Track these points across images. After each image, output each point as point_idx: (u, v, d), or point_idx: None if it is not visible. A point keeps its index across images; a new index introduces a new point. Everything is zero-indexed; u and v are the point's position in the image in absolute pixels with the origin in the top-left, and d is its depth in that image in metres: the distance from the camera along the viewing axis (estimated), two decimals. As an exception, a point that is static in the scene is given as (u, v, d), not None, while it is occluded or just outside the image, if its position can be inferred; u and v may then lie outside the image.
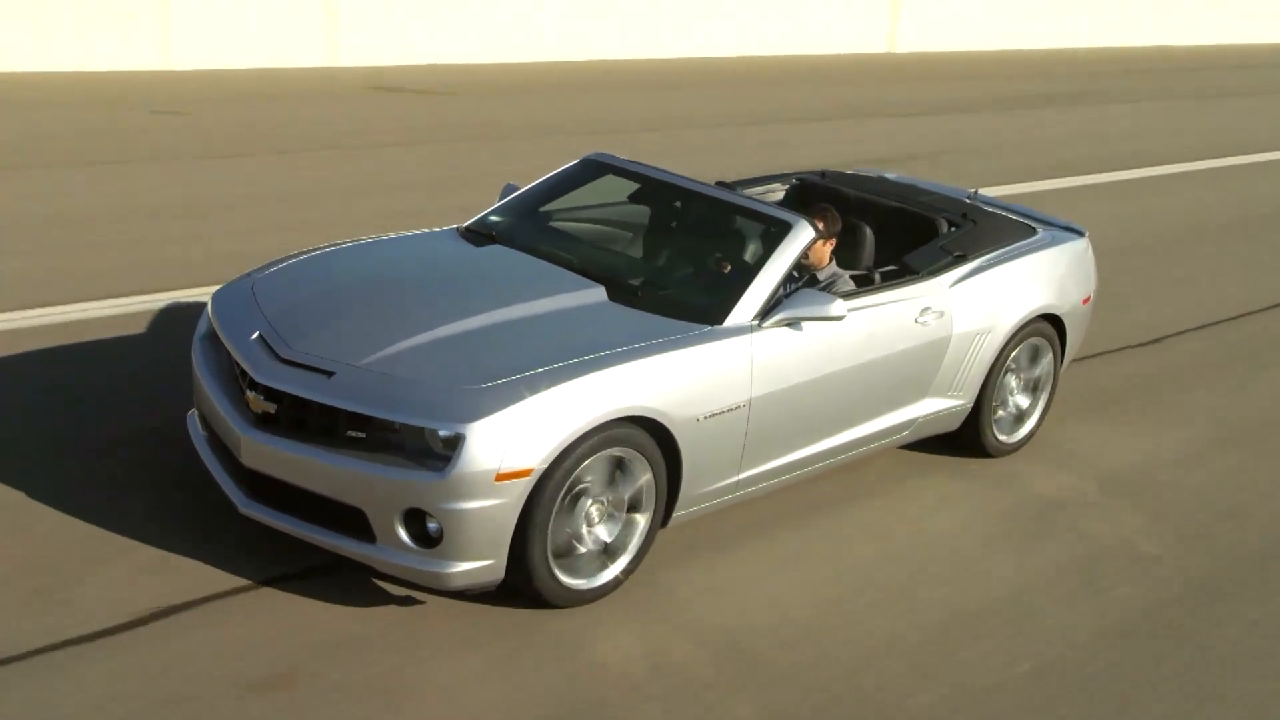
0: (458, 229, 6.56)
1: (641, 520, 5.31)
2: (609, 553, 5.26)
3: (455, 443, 4.71)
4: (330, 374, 4.97)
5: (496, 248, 6.21)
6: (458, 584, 4.86)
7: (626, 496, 5.24)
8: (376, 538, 4.86)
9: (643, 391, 5.08)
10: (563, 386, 4.89)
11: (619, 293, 5.69)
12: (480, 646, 4.89)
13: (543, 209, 6.69)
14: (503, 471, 4.73)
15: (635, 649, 4.97)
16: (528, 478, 4.78)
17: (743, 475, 5.67)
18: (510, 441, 4.73)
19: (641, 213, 6.75)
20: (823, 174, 7.92)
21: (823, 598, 5.48)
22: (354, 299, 5.56)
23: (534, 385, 4.88)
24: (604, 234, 6.74)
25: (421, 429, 4.77)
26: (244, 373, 5.16)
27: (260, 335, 5.28)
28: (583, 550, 5.16)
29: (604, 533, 5.23)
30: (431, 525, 4.81)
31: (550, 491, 4.87)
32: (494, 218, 6.60)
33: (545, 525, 4.91)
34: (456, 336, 5.20)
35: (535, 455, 4.78)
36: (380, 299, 5.55)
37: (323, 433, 4.93)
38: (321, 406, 4.91)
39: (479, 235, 6.42)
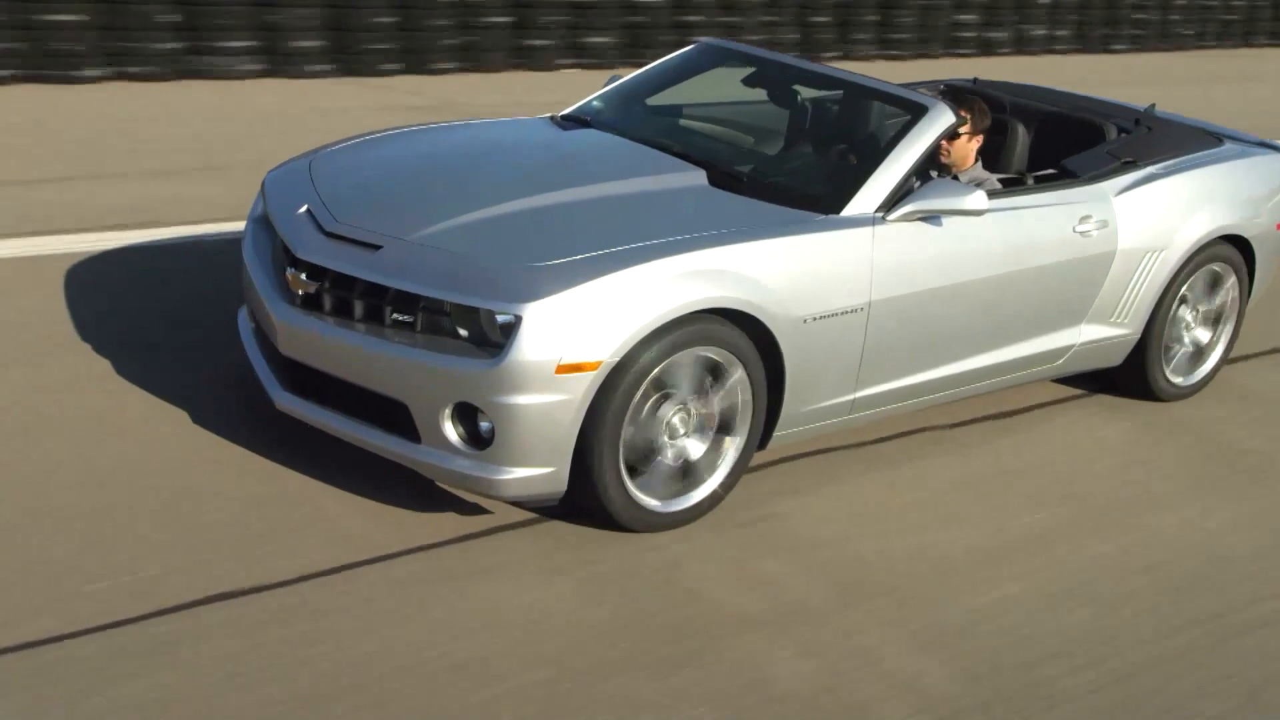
0: (551, 117, 5.87)
1: (736, 436, 4.56)
2: (696, 471, 4.52)
3: (511, 327, 4.02)
4: (376, 248, 4.33)
5: (588, 131, 5.51)
6: (511, 492, 4.17)
7: (718, 408, 4.49)
8: (421, 436, 4.20)
9: (739, 281, 4.33)
10: (642, 267, 4.17)
11: (721, 178, 4.94)
12: (564, 571, 4.20)
13: (649, 99, 5.96)
14: (565, 363, 4.03)
15: (738, 577, 4.23)
16: (594, 372, 4.07)
17: (858, 394, 4.87)
18: (575, 328, 4.02)
19: (756, 101, 5.97)
20: (973, 81, 7.03)
21: (950, 540, 4.65)
22: (417, 175, 4.93)
23: (607, 264, 4.16)
24: (714, 123, 5.96)
25: (473, 310, 4.10)
26: (287, 250, 4.55)
27: (308, 209, 4.66)
28: (664, 466, 4.43)
29: (691, 448, 4.49)
30: (483, 423, 4.13)
31: (623, 391, 4.15)
32: (594, 104, 5.90)
33: (616, 431, 4.19)
34: (523, 213, 4.52)
35: (605, 346, 4.06)
36: (446, 175, 4.91)
37: (366, 316, 4.29)
38: (365, 285, 4.28)
39: (573, 121, 5.72)
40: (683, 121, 5.89)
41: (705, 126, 5.90)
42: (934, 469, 5.16)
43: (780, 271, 4.45)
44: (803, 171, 5.33)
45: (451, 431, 4.15)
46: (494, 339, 4.07)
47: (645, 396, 4.27)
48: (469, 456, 4.16)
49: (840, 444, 5.25)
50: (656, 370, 4.23)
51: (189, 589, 3.87)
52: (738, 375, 4.45)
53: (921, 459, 5.24)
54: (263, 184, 5.14)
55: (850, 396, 4.85)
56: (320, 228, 4.51)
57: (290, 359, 4.46)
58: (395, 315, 4.23)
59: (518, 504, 4.43)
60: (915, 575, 4.36)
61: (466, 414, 4.14)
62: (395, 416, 4.24)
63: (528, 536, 4.37)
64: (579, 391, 4.07)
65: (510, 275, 4.13)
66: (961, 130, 5.31)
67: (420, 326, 4.19)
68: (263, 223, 5.08)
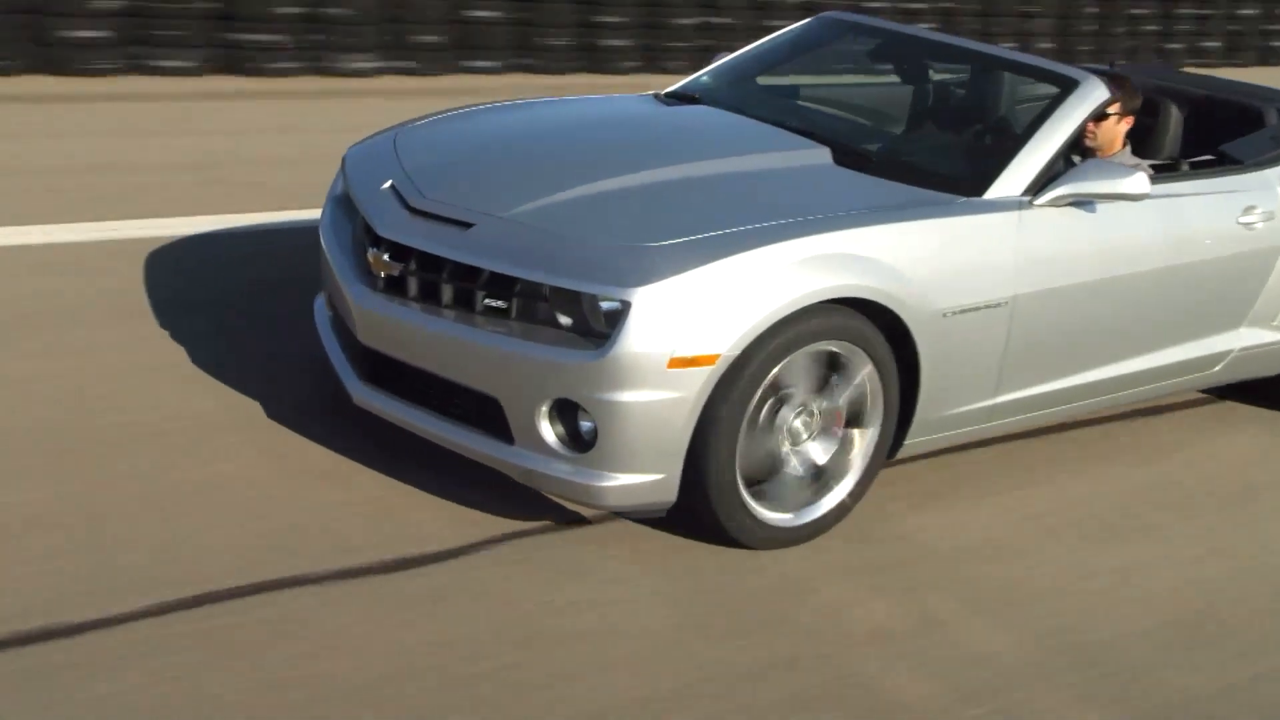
0: (655, 94, 5.41)
1: (863, 441, 4.06)
2: (819, 480, 4.02)
3: (617, 314, 3.55)
4: (467, 226, 3.88)
5: (697, 107, 5.04)
6: (614, 501, 3.70)
7: (845, 409, 3.99)
8: (514, 437, 3.74)
9: (874, 268, 3.83)
10: (765, 250, 3.69)
11: (848, 156, 4.44)
12: (665, 583, 3.73)
13: (762, 76, 5.47)
14: (678, 356, 3.56)
15: (871, 599, 3.73)
16: (711, 367, 3.60)
17: (998, 400, 4.35)
18: (690, 317, 3.55)
19: (884, 78, 5.46)
20: (1111, 65, 6.47)
21: (1095, 565, 4.12)
22: (511, 149, 4.48)
23: (726, 246, 3.68)
24: (832, 101, 5.46)
25: (575, 294, 3.63)
26: (369, 229, 4.11)
27: (392, 185, 4.23)
28: (785, 475, 3.94)
29: (815, 452, 3.99)
30: (584, 423, 3.67)
31: (742, 389, 3.67)
32: (703, 79, 5.43)
33: (734, 434, 3.71)
34: (630, 190, 4.06)
35: (723, 338, 3.59)
36: (543, 149, 4.46)
37: (455, 301, 3.85)
38: (455, 267, 3.83)
39: (679, 99, 5.25)
40: (800, 98, 5.40)
41: (824, 103, 5.40)
42: (1078, 475, 4.63)
43: (918, 259, 3.95)
44: (937, 151, 4.82)
45: (549, 431, 3.69)
46: (598, 328, 3.61)
47: (764, 396, 3.78)
48: (568, 460, 3.69)
49: (968, 445, 4.72)
50: (779, 367, 3.75)
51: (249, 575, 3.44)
52: (866, 373, 3.96)
53: (1065, 462, 4.70)
54: (343, 160, 4.72)
55: (989, 402, 4.33)
56: (405, 204, 4.07)
57: (369, 349, 4.03)
58: (488, 300, 3.78)
59: (620, 514, 3.95)
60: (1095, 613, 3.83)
61: (566, 412, 3.68)
62: (485, 414, 3.79)
63: (618, 541, 3.90)
64: (693, 389, 3.60)
65: (618, 257, 3.67)
66: (1110, 110, 4.77)
67: (515, 313, 3.74)
68: (343, 202, 4.66)
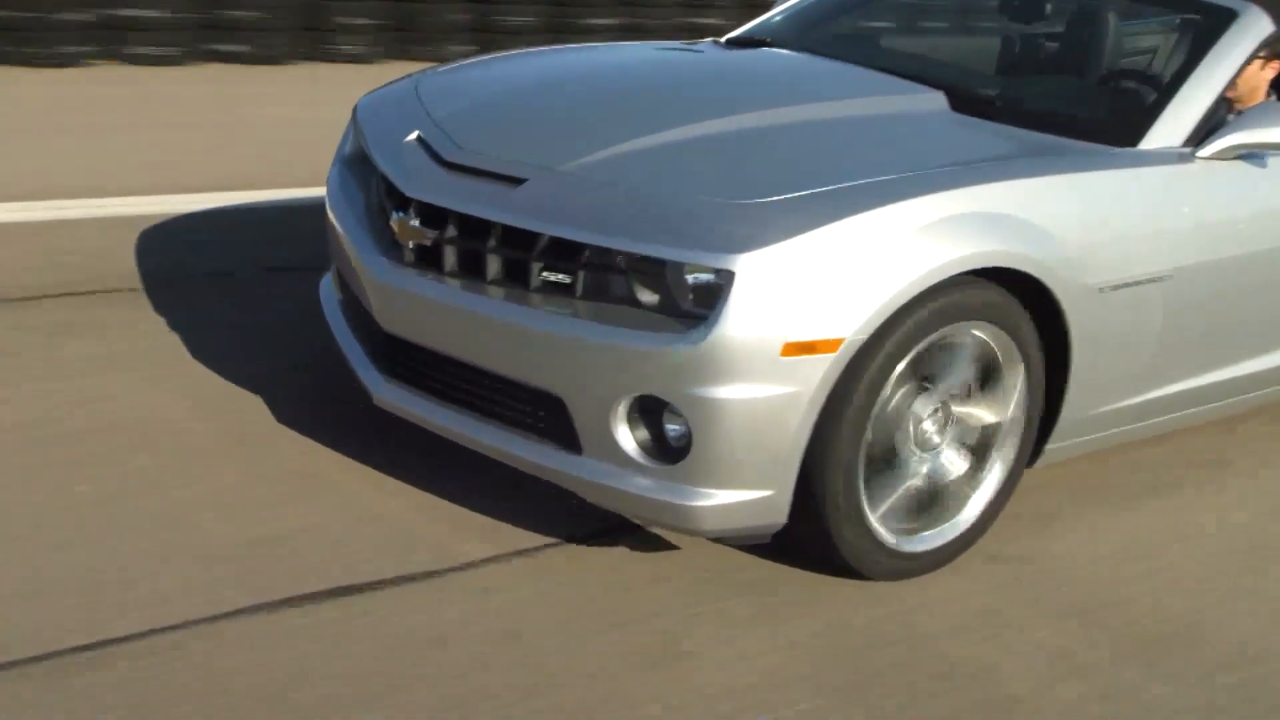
0: (714, 40, 4.64)
1: (1003, 447, 3.30)
2: (949, 496, 3.26)
3: (717, 289, 2.79)
4: (518, 182, 3.11)
5: (772, 50, 4.27)
6: (711, 524, 2.94)
7: (984, 408, 3.24)
8: (582, 445, 2.97)
9: (1022, 231, 3.09)
10: (893, 209, 2.93)
11: (967, 102, 3.69)
12: (766, 619, 2.97)
13: (841, 18, 4.71)
14: (794, 341, 2.80)
15: (1000, 640, 2.97)
16: (834, 354, 2.84)
17: (1150, 395, 3.60)
18: (807, 292, 2.80)
19: (989, 15, 4.69)
20: None
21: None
22: (560, 95, 3.72)
23: (847, 202, 2.92)
24: (929, 48, 4.70)
25: (663, 264, 2.87)
26: (392, 190, 3.34)
27: (419, 137, 3.46)
28: (911, 488, 3.18)
29: (948, 462, 3.24)
30: (672, 426, 2.91)
31: (869, 382, 2.92)
32: (775, 20, 4.65)
33: (857, 439, 2.96)
34: (711, 139, 3.30)
35: (848, 318, 2.83)
36: (599, 95, 3.69)
37: (505, 275, 3.08)
38: (504, 232, 3.06)
39: (745, 44, 4.49)
40: (890, 40, 4.63)
41: (920, 46, 4.63)
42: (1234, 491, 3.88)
43: (1072, 221, 3.20)
44: (1070, 96, 4.06)
45: (627, 437, 2.93)
46: (691, 306, 2.85)
47: (892, 391, 3.03)
48: (651, 473, 2.93)
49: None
50: (912, 354, 3.00)
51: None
52: (1009, 362, 3.20)
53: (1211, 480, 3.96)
54: (354, 112, 3.94)
55: (1140, 398, 3.58)
56: (438, 158, 3.30)
57: (393, 336, 3.26)
58: (546, 274, 3.01)
59: (718, 540, 3.19)
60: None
61: (650, 413, 2.93)
62: (545, 416, 3.03)
63: (698, 562, 3.13)
64: (811, 382, 2.84)
65: (715, 216, 2.91)
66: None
67: (583, 289, 2.97)
68: (354, 162, 3.89)
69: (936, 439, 3.19)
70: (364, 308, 3.40)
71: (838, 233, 2.85)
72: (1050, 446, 3.44)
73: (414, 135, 3.47)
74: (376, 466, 3.47)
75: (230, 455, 3.48)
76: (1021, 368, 3.22)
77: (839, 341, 2.84)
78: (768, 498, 2.93)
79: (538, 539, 3.22)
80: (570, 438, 2.99)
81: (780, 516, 2.98)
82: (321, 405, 3.76)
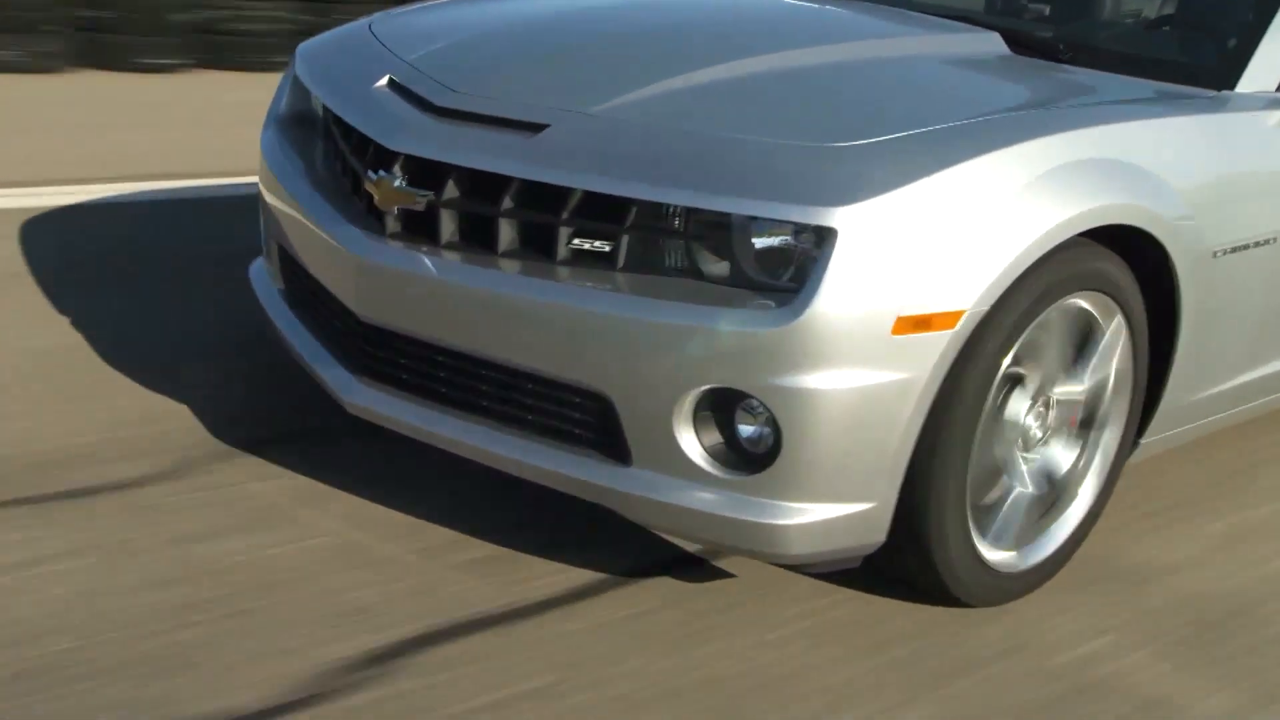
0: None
1: (1104, 438, 2.78)
2: (1050, 502, 2.73)
3: (808, 252, 2.21)
4: (538, 128, 2.48)
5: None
6: (803, 548, 2.36)
7: (1087, 395, 2.72)
8: (633, 453, 2.35)
9: (1142, 183, 2.56)
10: (1014, 151, 2.39)
11: (1027, 42, 3.17)
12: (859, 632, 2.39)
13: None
14: (908, 315, 2.25)
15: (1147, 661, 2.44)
16: (951, 331, 2.29)
17: (1251, 375, 3.12)
18: (918, 254, 2.24)
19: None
20: None
21: None
22: (563, 33, 3.09)
23: (950, 147, 2.37)
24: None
25: (736, 221, 2.27)
26: (364, 145, 2.69)
27: (393, 81, 2.81)
28: (1017, 492, 2.64)
29: (1052, 460, 2.70)
30: (747, 427, 2.31)
31: (985, 365, 2.38)
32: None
33: (970, 435, 2.40)
34: (760, 77, 2.72)
35: (967, 286, 2.29)
36: (610, 33, 3.06)
37: (523, 244, 2.46)
38: (522, 189, 2.42)
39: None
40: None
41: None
42: None
43: (1186, 174, 2.69)
44: (1137, 36, 3.56)
45: (692, 442, 2.33)
46: (767, 275, 2.27)
47: (1006, 373, 2.49)
48: (723, 485, 2.33)
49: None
50: (1028, 331, 2.46)
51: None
52: (1117, 339, 2.69)
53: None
54: (292, 61, 3.27)
55: (1243, 378, 3.09)
56: (424, 103, 2.66)
57: (374, 327, 2.60)
58: (578, 241, 2.40)
59: (799, 568, 2.59)
60: None
61: (721, 411, 2.32)
62: (583, 420, 2.42)
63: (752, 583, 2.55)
64: (926, 365, 2.28)
65: (799, 161, 2.33)
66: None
67: (626, 258, 2.37)
68: (295, 123, 3.22)
69: (1039, 434, 2.66)
70: (326, 294, 2.74)
71: (950, 181, 2.30)
72: (1145, 439, 2.93)
73: (384, 80, 2.82)
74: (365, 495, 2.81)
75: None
76: (1129, 347, 2.71)
77: (958, 315, 2.29)
78: (867, 512, 2.36)
79: (577, 576, 2.60)
80: (617, 445, 2.38)
81: (879, 535, 2.41)
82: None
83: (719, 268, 2.33)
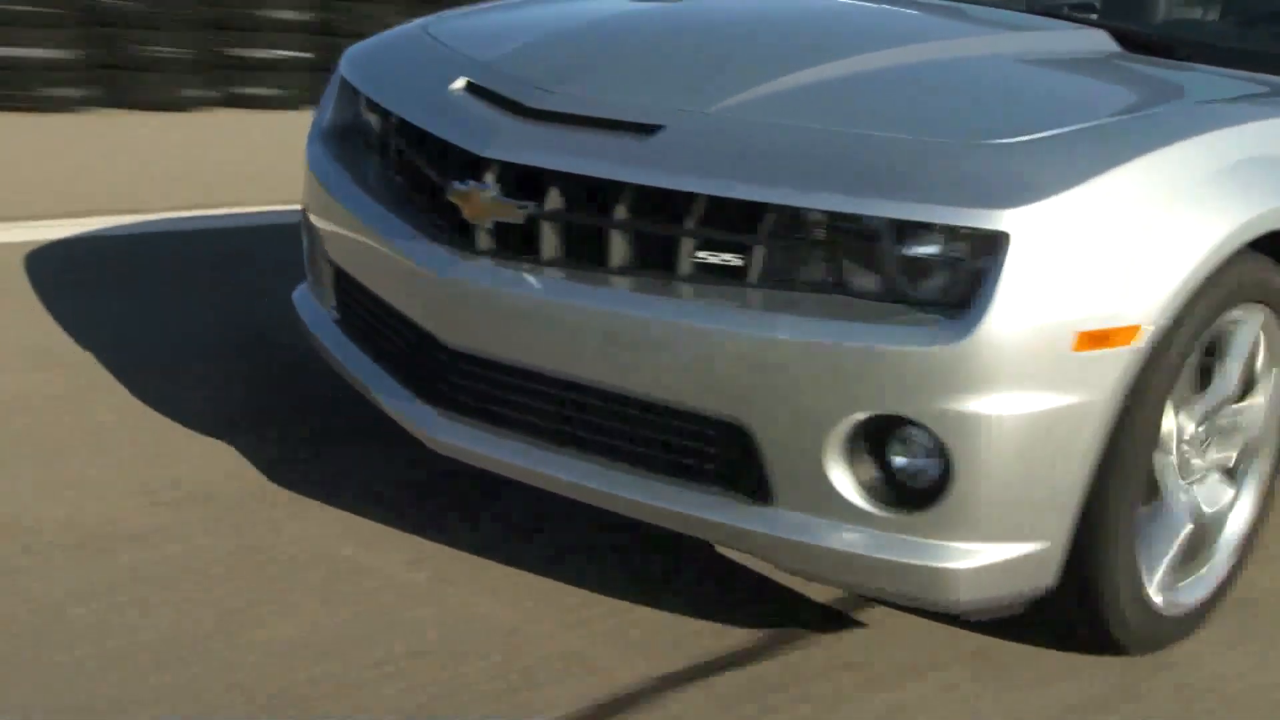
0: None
1: (1257, 470, 2.54)
2: (1209, 533, 2.49)
3: (976, 261, 1.96)
4: (650, 130, 2.22)
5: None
6: (970, 594, 2.10)
7: (1240, 417, 2.48)
8: (774, 491, 2.08)
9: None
10: (1189, 145, 2.16)
11: (1135, 41, 2.94)
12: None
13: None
14: (1089, 330, 2.00)
15: None
16: (1129, 347, 2.03)
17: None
18: (1096, 260, 1.99)
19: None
20: None
21: None
22: (649, 32, 2.81)
23: (1117, 144, 2.13)
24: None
25: (876, 225, 2.02)
26: (444, 154, 2.41)
27: (470, 83, 2.54)
28: (1180, 527, 2.40)
29: (1210, 492, 2.46)
30: (903, 460, 2.05)
31: (1159, 383, 2.14)
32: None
33: (1143, 465, 2.16)
34: (877, 75, 2.46)
35: (1144, 297, 2.03)
36: (702, 32, 2.79)
37: (637, 258, 2.19)
38: (638, 196, 2.16)
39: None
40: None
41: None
42: None
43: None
44: (1250, 30, 3.34)
45: (844, 478, 2.06)
46: (931, 288, 2.02)
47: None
48: (884, 525, 2.06)
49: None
50: (1198, 347, 2.23)
51: None
52: (1272, 361, 2.46)
53: None
54: (340, 67, 3.00)
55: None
56: (515, 106, 2.39)
57: (461, 354, 2.33)
58: (701, 254, 2.13)
59: (961, 616, 2.32)
60: None
61: (877, 440, 2.06)
62: (716, 455, 2.15)
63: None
64: (1106, 386, 2.04)
65: (956, 160, 2.08)
66: None
67: (761, 271, 2.11)
68: (345, 134, 2.95)
69: (1198, 463, 2.42)
70: (400, 321, 2.47)
71: (1125, 179, 2.07)
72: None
73: (460, 84, 2.55)
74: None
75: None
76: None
77: (1136, 329, 2.04)
78: (1040, 552, 2.11)
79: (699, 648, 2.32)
80: (756, 482, 2.12)
81: (1048, 578, 2.15)
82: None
83: (868, 280, 2.07)
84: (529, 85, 2.42)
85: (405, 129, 2.60)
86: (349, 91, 2.93)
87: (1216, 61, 2.86)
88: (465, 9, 3.17)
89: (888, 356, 1.97)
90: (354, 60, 2.97)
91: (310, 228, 2.90)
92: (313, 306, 2.95)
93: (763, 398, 2.05)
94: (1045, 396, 1.99)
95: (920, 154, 2.09)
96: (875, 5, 3.17)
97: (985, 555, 2.05)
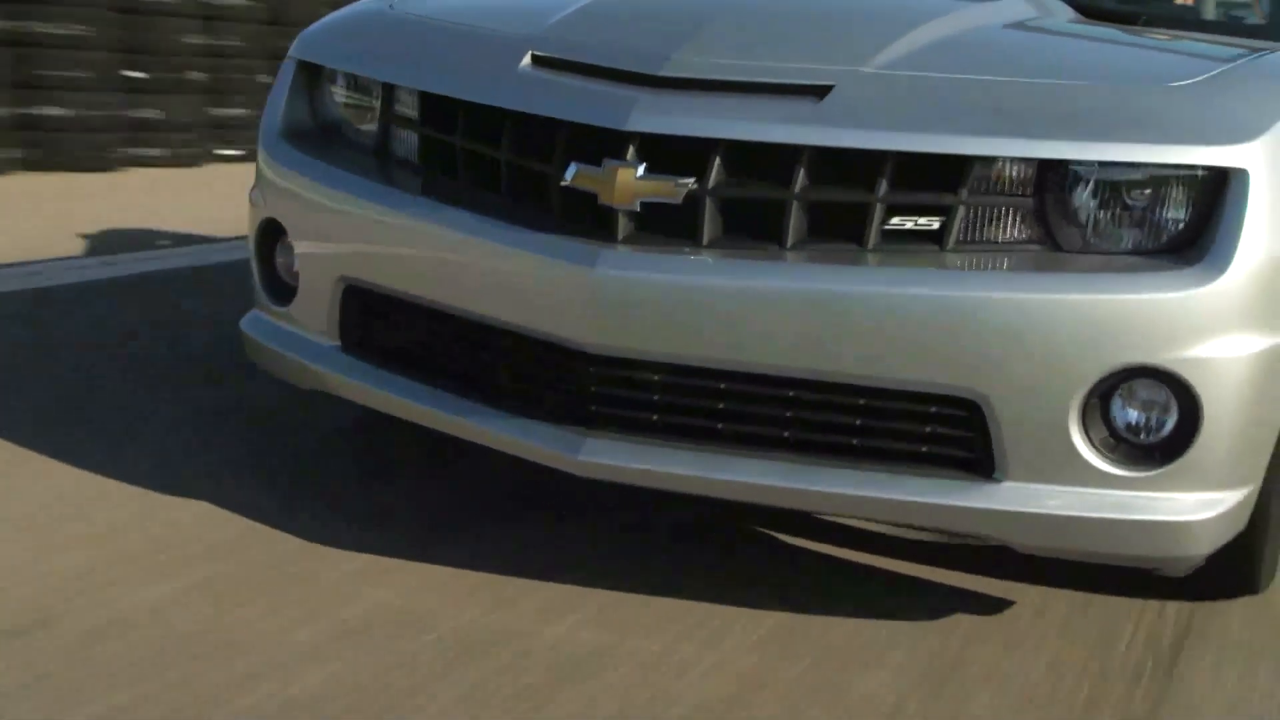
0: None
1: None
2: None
3: (1209, 200, 1.93)
4: (822, 90, 2.04)
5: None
6: (1206, 546, 2.06)
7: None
8: (1002, 464, 1.96)
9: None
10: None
11: (1092, 11, 3.00)
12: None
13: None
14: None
15: None
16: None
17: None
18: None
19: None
20: None
21: None
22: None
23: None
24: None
25: (1090, 170, 1.97)
26: (562, 134, 2.10)
27: (537, 56, 2.25)
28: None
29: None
30: (1136, 414, 1.97)
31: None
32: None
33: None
34: (956, 39, 2.34)
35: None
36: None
37: (811, 230, 2.01)
38: (817, 161, 1.98)
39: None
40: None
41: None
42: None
43: None
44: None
45: (1083, 440, 1.96)
46: (1157, 231, 1.96)
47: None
48: (1126, 484, 1.98)
49: None
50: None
51: None
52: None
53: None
54: (296, 53, 2.59)
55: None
56: (638, 77, 2.13)
57: (612, 361, 2.05)
58: (896, 221, 1.99)
59: (1175, 575, 2.24)
60: None
61: (1109, 398, 1.97)
62: (933, 434, 2.00)
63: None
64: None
65: (1167, 100, 2.05)
66: None
67: (957, 232, 1.99)
68: (322, 133, 2.56)
69: None
70: (500, 336, 2.15)
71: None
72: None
73: (526, 59, 2.25)
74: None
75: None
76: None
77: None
78: (1249, 496, 2.08)
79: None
80: (980, 457, 1.98)
81: (1242, 524, 2.13)
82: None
83: (1071, 232, 1.99)
84: (638, 54, 2.17)
85: (470, 112, 2.25)
86: (313, 80, 2.54)
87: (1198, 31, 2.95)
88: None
89: (1143, 306, 1.90)
90: (317, 43, 2.56)
91: (282, 246, 2.49)
92: (285, 333, 2.51)
93: (1003, 364, 1.92)
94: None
95: (1124, 97, 2.03)
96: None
97: (1225, 503, 2.01)
